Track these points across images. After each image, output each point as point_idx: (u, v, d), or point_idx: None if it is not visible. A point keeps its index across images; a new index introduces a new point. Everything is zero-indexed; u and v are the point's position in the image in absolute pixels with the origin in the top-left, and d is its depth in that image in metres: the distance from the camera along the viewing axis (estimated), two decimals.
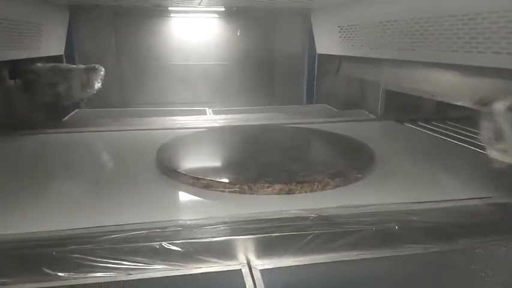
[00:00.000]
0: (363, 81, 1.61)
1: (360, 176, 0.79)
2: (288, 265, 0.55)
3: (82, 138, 1.17)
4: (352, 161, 0.89)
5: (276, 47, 1.93)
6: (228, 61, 1.89)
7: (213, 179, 0.74)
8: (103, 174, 0.87)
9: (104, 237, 0.55)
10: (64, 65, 1.48)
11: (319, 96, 1.94)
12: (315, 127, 1.23)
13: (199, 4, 1.58)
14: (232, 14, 1.80)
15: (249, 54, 1.89)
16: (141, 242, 0.54)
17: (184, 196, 0.74)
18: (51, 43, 1.49)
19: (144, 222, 0.59)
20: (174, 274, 0.53)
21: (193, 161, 0.94)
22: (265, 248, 0.56)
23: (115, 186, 0.78)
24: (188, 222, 0.59)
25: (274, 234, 0.57)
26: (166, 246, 0.54)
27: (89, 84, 1.43)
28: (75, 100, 1.51)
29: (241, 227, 0.58)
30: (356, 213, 0.63)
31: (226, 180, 0.74)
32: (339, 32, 1.55)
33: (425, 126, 1.27)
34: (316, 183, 0.73)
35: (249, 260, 0.56)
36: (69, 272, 0.51)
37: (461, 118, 1.26)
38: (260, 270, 0.54)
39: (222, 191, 0.73)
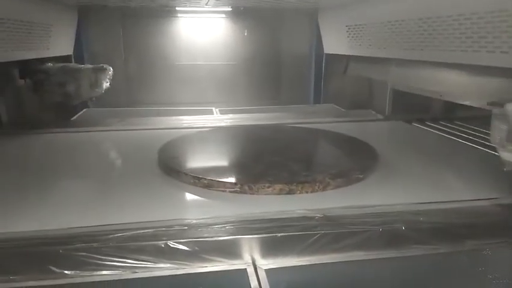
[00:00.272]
0: (371, 81, 1.60)
1: (361, 176, 0.78)
2: (293, 265, 0.55)
3: (89, 137, 1.18)
4: (354, 162, 0.88)
5: (283, 47, 1.93)
6: (235, 61, 1.89)
7: (213, 179, 0.74)
8: (107, 173, 0.88)
9: (109, 236, 0.55)
10: (73, 64, 1.49)
11: (327, 96, 1.93)
12: (321, 127, 1.22)
13: (206, 4, 1.59)
14: (239, 14, 1.80)
15: (256, 54, 1.89)
16: (147, 240, 0.54)
17: (184, 195, 0.74)
18: (61, 43, 1.51)
19: (149, 221, 0.59)
20: (179, 273, 0.53)
21: (194, 161, 0.94)
22: (270, 248, 0.56)
23: (116, 185, 0.79)
24: (194, 221, 0.59)
25: (279, 234, 0.56)
26: (171, 245, 0.54)
27: (97, 83, 1.44)
28: (84, 99, 1.52)
29: (246, 226, 0.58)
30: (362, 213, 0.62)
31: (227, 180, 0.73)
32: (347, 31, 1.55)
33: (434, 126, 1.26)
34: (317, 184, 0.73)
35: (254, 260, 0.56)
36: (75, 270, 0.51)
37: (470, 118, 1.25)
38: (265, 269, 0.54)
39: (223, 191, 0.73)
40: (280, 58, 1.94)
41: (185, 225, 0.58)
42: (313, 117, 1.40)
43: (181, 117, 1.38)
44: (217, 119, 1.41)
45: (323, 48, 1.85)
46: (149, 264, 0.53)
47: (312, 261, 0.56)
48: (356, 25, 1.46)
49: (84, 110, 1.60)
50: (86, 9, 1.64)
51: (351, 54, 1.61)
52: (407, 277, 0.55)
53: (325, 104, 1.87)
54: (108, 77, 1.47)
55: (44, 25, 1.33)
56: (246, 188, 0.72)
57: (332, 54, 1.81)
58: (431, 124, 1.28)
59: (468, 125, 1.22)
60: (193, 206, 0.71)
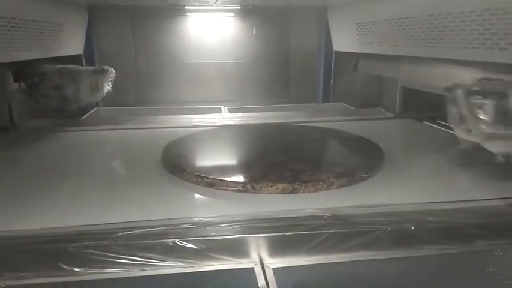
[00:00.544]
0: (381, 78, 1.58)
1: (366, 175, 0.78)
2: (300, 264, 0.55)
3: (99, 136, 1.19)
4: (359, 161, 0.87)
5: (292, 45, 1.92)
6: (244, 59, 1.89)
7: (216, 178, 0.74)
8: (113, 172, 0.89)
9: (118, 234, 0.55)
10: (72, 66, 1.38)
11: (336, 94, 1.92)
12: (330, 126, 1.21)
13: (215, 3, 1.59)
14: (248, 12, 1.79)
15: (265, 53, 1.89)
16: (155, 238, 0.55)
17: (187, 194, 0.74)
18: (71, 43, 1.52)
19: (158, 219, 0.59)
20: (187, 271, 0.53)
21: (198, 159, 0.95)
22: (278, 247, 0.56)
23: (121, 183, 0.81)
24: (201, 220, 0.59)
25: (287, 233, 0.56)
26: (179, 243, 0.54)
27: (97, 87, 1.36)
28: (83, 104, 1.40)
29: (254, 225, 0.58)
30: (371, 213, 0.62)
31: (230, 179, 0.73)
32: (356, 29, 1.53)
33: (445, 125, 1.24)
34: (320, 183, 0.72)
35: (261, 259, 0.56)
36: (85, 267, 0.52)
37: None
38: (273, 268, 0.54)
39: (226, 190, 0.73)
40: (289, 56, 1.93)
41: (193, 224, 0.58)
42: (322, 115, 1.39)
43: (190, 115, 1.38)
44: (226, 117, 1.41)
45: (332, 46, 1.84)
46: (157, 262, 0.54)
47: (319, 260, 0.55)
48: (366, 22, 1.45)
49: (94, 109, 1.62)
50: (96, 8, 1.66)
51: (360, 52, 1.60)
52: (416, 277, 0.54)
53: (334, 103, 1.86)
54: (109, 79, 1.40)
55: (55, 25, 1.35)
56: (249, 187, 0.72)
57: (341, 52, 1.80)
58: (442, 122, 1.26)
59: None
60: (195, 205, 0.72)
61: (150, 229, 0.56)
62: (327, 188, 0.72)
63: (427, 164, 0.90)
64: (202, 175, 0.75)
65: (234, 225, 0.58)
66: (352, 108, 1.67)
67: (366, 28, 1.47)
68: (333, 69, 1.91)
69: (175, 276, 0.53)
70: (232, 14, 1.82)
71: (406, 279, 0.54)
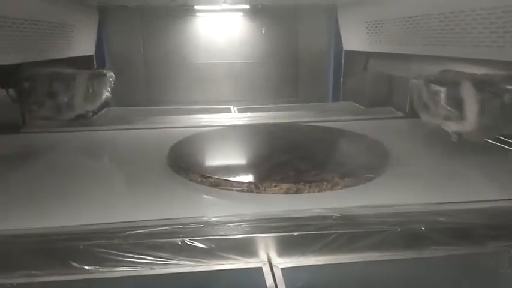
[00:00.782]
0: (391, 77, 1.57)
1: (371, 176, 0.77)
2: (309, 264, 0.55)
3: (108, 136, 1.20)
4: (365, 161, 0.87)
5: (301, 44, 1.92)
6: (253, 59, 1.89)
7: (220, 178, 0.74)
8: (118, 171, 0.91)
9: (128, 233, 0.56)
10: (65, 70, 1.24)
11: (346, 94, 1.91)
12: (338, 125, 1.21)
13: (224, 2, 1.59)
14: (257, 12, 1.79)
15: (274, 52, 1.89)
16: (164, 237, 0.55)
17: (191, 194, 0.74)
18: (82, 43, 1.54)
19: (167, 219, 0.60)
20: (195, 270, 0.54)
21: (203, 159, 0.95)
22: (286, 247, 0.56)
23: (125, 183, 0.82)
24: (210, 220, 0.60)
25: (295, 233, 0.56)
26: (188, 243, 0.54)
27: (94, 93, 1.22)
28: (78, 112, 1.24)
29: (262, 225, 0.58)
30: (380, 213, 0.61)
31: (234, 179, 0.73)
32: (366, 27, 1.52)
33: None
34: (324, 183, 0.72)
35: (270, 258, 0.56)
36: (95, 265, 0.53)
37: None
38: (281, 268, 0.54)
39: (230, 190, 0.73)
40: (298, 55, 1.93)
41: (201, 223, 0.59)
42: (331, 115, 1.38)
43: (199, 115, 1.39)
44: (234, 117, 1.41)
45: (342, 45, 1.83)
46: (166, 261, 0.54)
47: (328, 260, 0.55)
48: (376, 21, 1.44)
49: (105, 109, 1.63)
50: (107, 9, 1.67)
51: (370, 50, 1.58)
52: (426, 279, 0.54)
53: (343, 102, 1.85)
54: (108, 84, 1.27)
55: (67, 25, 1.36)
56: (253, 187, 0.72)
57: (351, 50, 1.78)
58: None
59: None
60: (199, 205, 0.71)
61: (159, 228, 0.57)
62: (332, 188, 0.72)
63: (435, 164, 0.89)
64: (206, 175, 0.75)
65: (243, 224, 0.58)
66: (361, 107, 1.66)
67: (376, 26, 1.46)
68: (342, 68, 1.90)
69: (184, 275, 0.53)
70: (241, 13, 1.82)
71: (415, 281, 0.54)
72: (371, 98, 1.67)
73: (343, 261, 0.55)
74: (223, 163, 0.93)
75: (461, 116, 0.88)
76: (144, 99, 1.82)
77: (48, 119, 1.21)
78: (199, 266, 0.54)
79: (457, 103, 0.88)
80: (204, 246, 0.55)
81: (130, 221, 0.59)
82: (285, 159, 0.85)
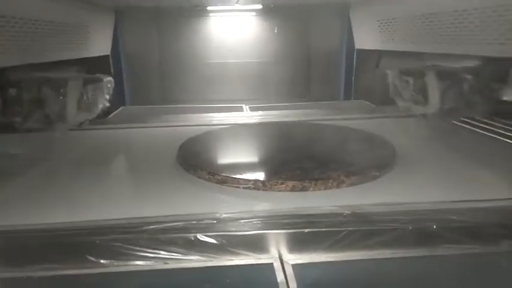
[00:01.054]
0: None
1: (377, 174, 0.77)
2: (320, 261, 0.55)
3: (123, 134, 1.23)
4: (372, 159, 0.86)
5: (313, 43, 1.91)
6: (265, 58, 1.89)
7: (228, 175, 0.75)
8: (129, 169, 0.94)
9: (143, 228, 0.57)
10: (56, 75, 1.09)
11: (357, 92, 1.90)
12: (349, 124, 1.20)
13: (236, 3, 1.60)
14: (270, 11, 1.80)
15: (286, 51, 1.89)
16: (178, 233, 0.56)
17: (198, 191, 0.75)
18: (98, 44, 1.56)
19: (180, 215, 0.61)
20: (207, 265, 0.55)
21: (211, 157, 0.96)
22: (297, 243, 0.57)
23: (135, 180, 0.85)
24: (223, 216, 0.61)
25: (306, 230, 0.57)
26: (200, 238, 0.55)
27: (89, 101, 1.08)
28: (72, 123, 1.09)
29: (274, 221, 0.59)
30: (392, 211, 0.61)
31: (241, 177, 0.74)
32: (379, 26, 1.51)
33: (467, 122, 1.21)
34: (330, 181, 0.72)
35: (281, 255, 0.56)
36: (111, 259, 0.54)
37: (507, 113, 1.18)
38: (292, 264, 0.54)
39: (237, 187, 0.73)
40: (310, 54, 1.93)
41: (214, 219, 0.59)
42: (342, 113, 1.38)
43: (211, 114, 1.40)
44: (246, 115, 1.42)
45: (354, 44, 1.82)
46: (179, 256, 0.55)
47: (339, 257, 0.56)
48: (388, 19, 1.43)
49: (121, 108, 1.66)
50: (122, 10, 1.70)
51: (382, 49, 1.57)
52: (437, 277, 0.54)
53: (355, 101, 1.84)
54: (106, 91, 1.14)
55: (83, 26, 1.39)
56: (260, 184, 0.72)
57: (363, 49, 1.78)
58: (465, 119, 1.23)
59: (505, 120, 1.16)
60: (206, 202, 0.72)
61: (173, 224, 0.58)
62: (337, 186, 0.72)
63: (443, 163, 0.88)
64: (214, 172, 0.76)
65: (254, 221, 0.59)
66: (373, 105, 1.65)
67: (388, 25, 1.45)
68: (354, 66, 1.89)
69: (196, 270, 0.54)
70: (253, 13, 1.83)
71: (427, 279, 0.54)
72: (383, 96, 1.66)
73: (354, 258, 0.55)
74: (231, 161, 0.94)
75: (426, 101, 1.10)
76: (158, 98, 1.85)
77: (37, 131, 1.03)
78: (211, 261, 0.55)
79: (423, 90, 1.09)
80: (216, 242, 0.55)
81: (145, 217, 0.61)
82: (292, 157, 0.86)
